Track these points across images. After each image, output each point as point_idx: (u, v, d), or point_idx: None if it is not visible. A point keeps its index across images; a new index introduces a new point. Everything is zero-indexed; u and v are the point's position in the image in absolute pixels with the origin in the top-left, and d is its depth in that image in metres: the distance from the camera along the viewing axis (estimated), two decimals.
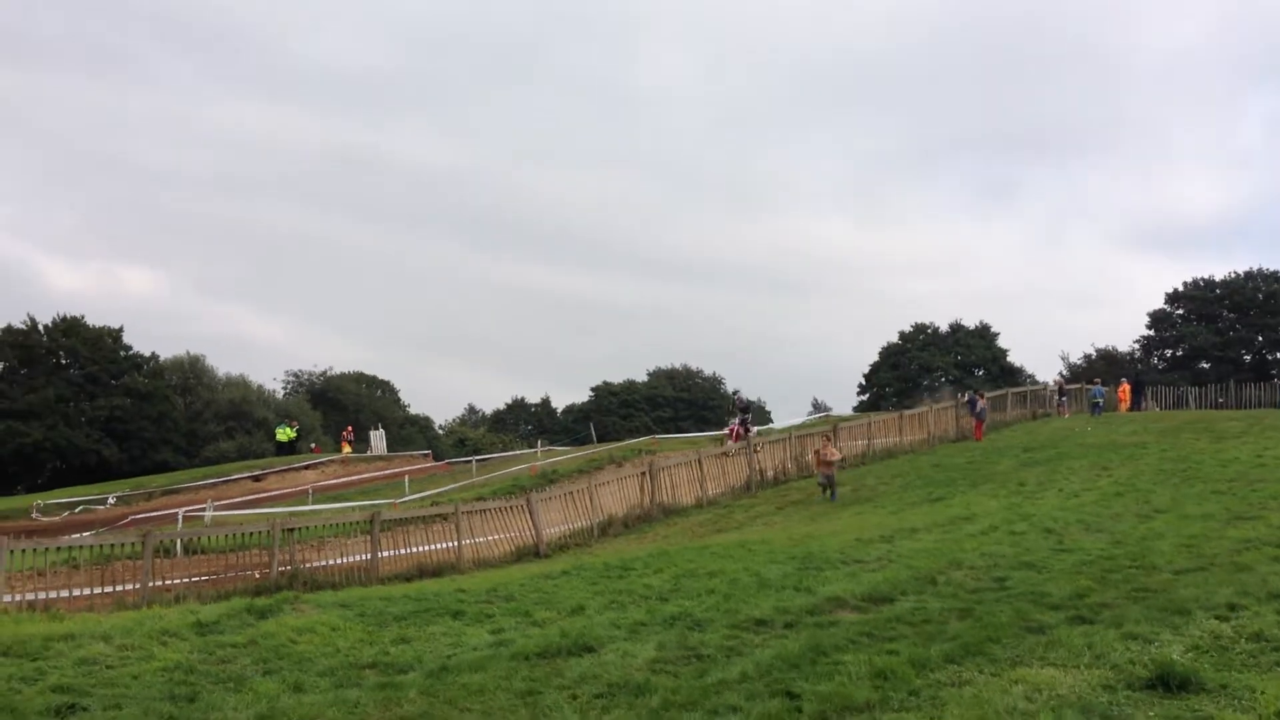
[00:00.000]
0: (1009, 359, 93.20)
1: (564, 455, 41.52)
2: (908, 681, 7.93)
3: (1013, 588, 11.42)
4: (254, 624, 11.54)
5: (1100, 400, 41.83)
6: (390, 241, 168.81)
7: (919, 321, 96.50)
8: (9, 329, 66.65)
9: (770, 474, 28.98)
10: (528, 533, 22.59)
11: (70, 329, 67.77)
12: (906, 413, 34.64)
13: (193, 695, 8.61)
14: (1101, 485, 20.64)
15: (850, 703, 7.46)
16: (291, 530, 19.77)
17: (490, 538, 21.96)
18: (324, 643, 10.63)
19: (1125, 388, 45.23)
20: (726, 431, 36.31)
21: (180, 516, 27.20)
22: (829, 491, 24.92)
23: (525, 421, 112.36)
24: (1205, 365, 75.17)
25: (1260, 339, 76.29)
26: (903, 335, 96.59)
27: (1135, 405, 43.55)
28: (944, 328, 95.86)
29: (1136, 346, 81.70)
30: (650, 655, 9.30)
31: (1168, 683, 7.45)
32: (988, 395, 37.49)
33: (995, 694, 7.49)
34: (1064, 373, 77.37)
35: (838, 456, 26.12)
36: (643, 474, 26.14)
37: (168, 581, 18.41)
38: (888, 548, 14.83)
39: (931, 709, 7.30)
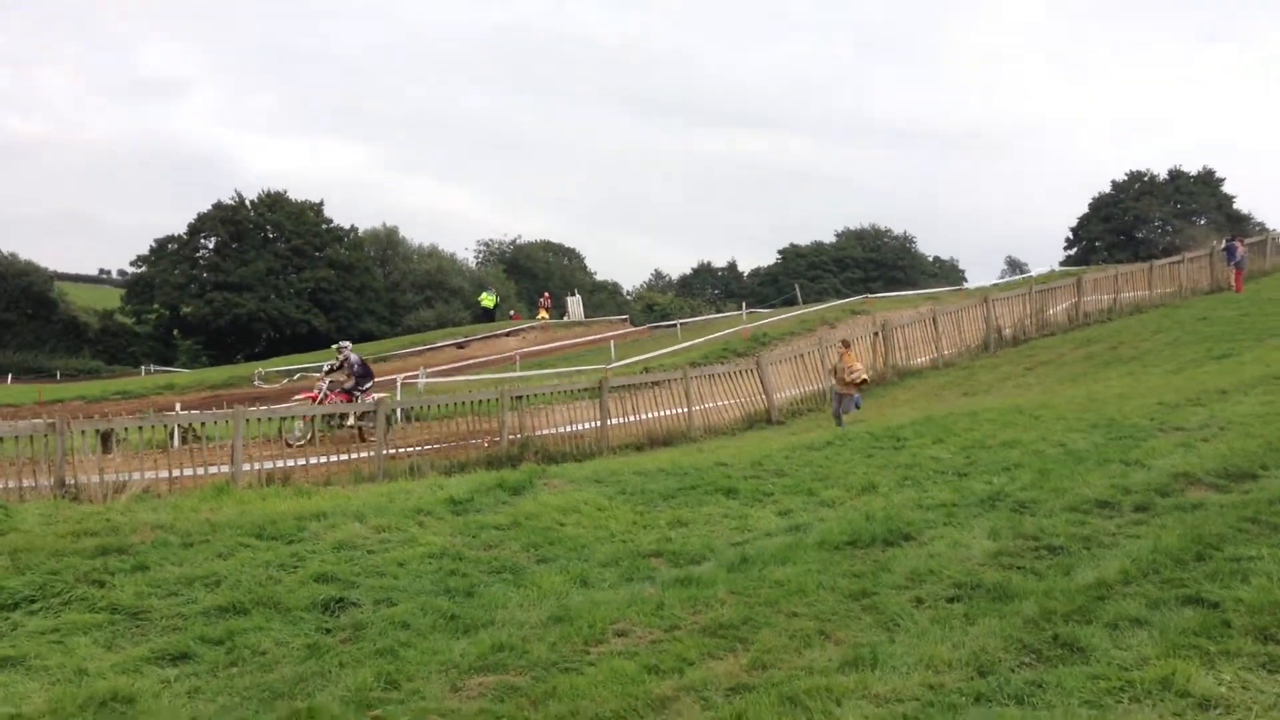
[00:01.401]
0: (1235, 206, 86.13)
1: (770, 318, 39.95)
2: None
3: None
4: (510, 502, 10.61)
5: None
6: (570, 116, 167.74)
7: (1133, 169, 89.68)
8: (219, 205, 68.93)
9: (1008, 332, 26.72)
10: (758, 398, 21.29)
11: (275, 203, 69.64)
12: (1156, 263, 31.45)
13: (470, 589, 7.64)
14: None
15: None
16: (520, 397, 19.00)
17: (720, 403, 20.77)
18: (594, 525, 9.56)
19: None
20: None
21: (399, 383, 27.04)
22: (838, 418, 18.29)
23: (712, 286, 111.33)
24: None
25: None
26: (1115, 185, 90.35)
27: None
28: (1162, 175, 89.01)
29: None
30: (988, 546, 7.80)
31: None
32: (1246, 241, 33.72)
33: None
34: None
35: (863, 374, 18.88)
36: (875, 334, 24.34)
37: (399, 450, 17.94)
38: (1205, 412, 12.78)
39: None
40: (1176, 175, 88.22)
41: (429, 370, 34.00)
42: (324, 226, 71.78)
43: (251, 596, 7.34)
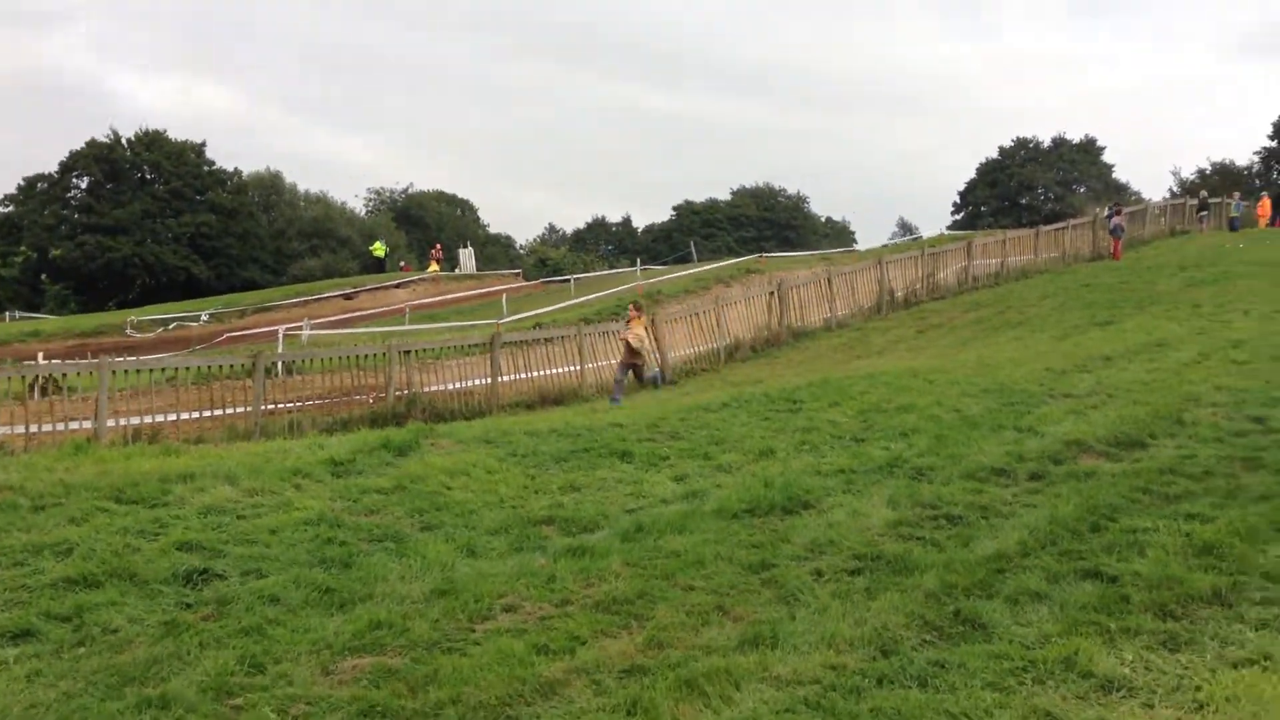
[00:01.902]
0: (1115, 175, 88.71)
1: (665, 275, 39.73)
2: (1245, 559, 6.22)
3: None
4: (394, 463, 10.14)
5: (1239, 215, 38.86)
6: (464, 61, 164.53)
7: (1020, 136, 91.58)
8: (93, 142, 65.78)
9: (900, 295, 26.93)
10: (652, 356, 21.01)
11: (153, 143, 66.80)
12: (1043, 229, 32.06)
13: (347, 559, 7.19)
14: None
15: (1191, 590, 5.77)
16: (408, 352, 18.40)
17: (613, 361, 20.43)
18: (483, 489, 9.17)
19: (1266, 202, 42.08)
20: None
21: (281, 334, 26.10)
22: (617, 393, 17.52)
23: (606, 241, 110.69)
24: None
25: None
26: (1003, 151, 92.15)
27: (1276, 220, 40.47)
28: (1046, 142, 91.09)
29: (1256, 159, 76.61)
30: (887, 515, 7.66)
31: None
32: (1125, 210, 34.60)
33: None
34: (1174, 189, 73.12)
35: (647, 342, 17.96)
36: (771, 294, 24.23)
37: (278, 405, 17.23)
38: (1092, 379, 12.94)
39: None
40: (1060, 143, 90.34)
41: (314, 322, 32.98)
42: (206, 169, 69.10)
43: (105, 567, 6.77)
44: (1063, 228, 32.50)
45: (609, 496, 8.94)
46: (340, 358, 18.51)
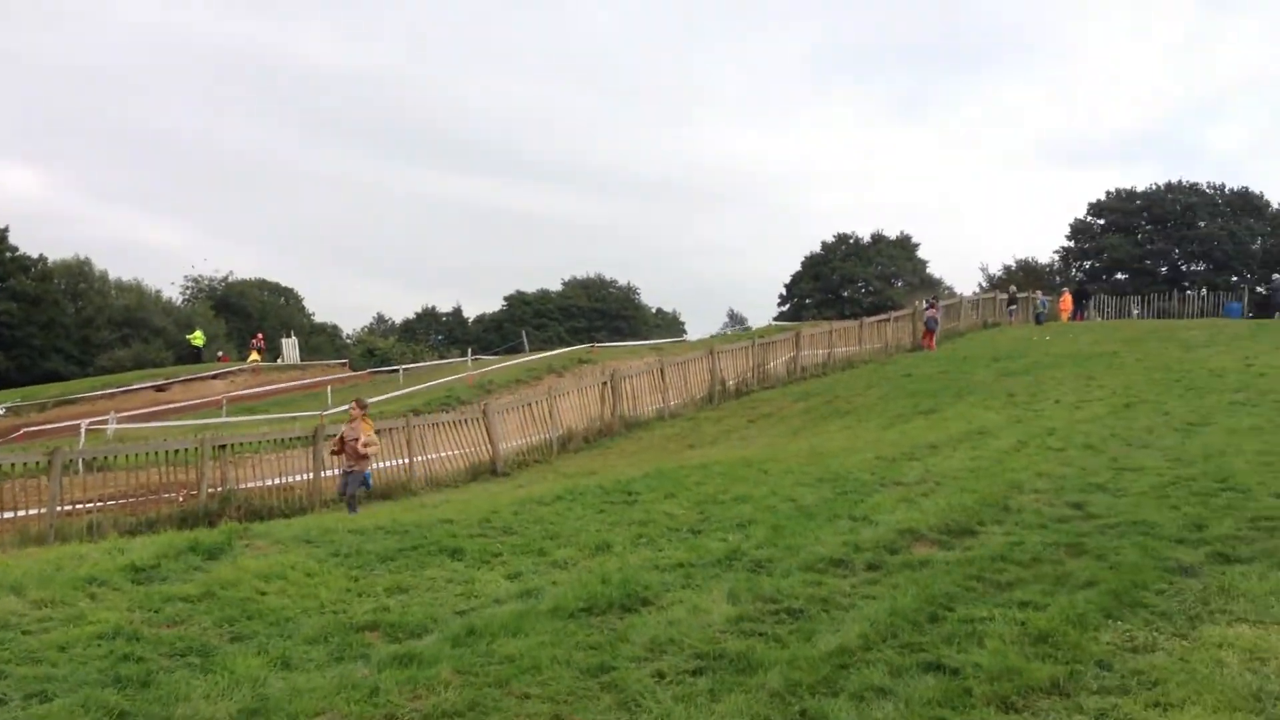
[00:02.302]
0: (929, 270, 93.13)
1: (496, 365, 39.32)
2: (1079, 647, 6.23)
3: (1102, 515, 9.85)
4: (203, 567, 9.41)
5: (1044, 310, 41.22)
6: (290, 147, 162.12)
7: (841, 232, 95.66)
8: None
9: (731, 384, 27.26)
10: (483, 448, 20.57)
11: None
12: (866, 321, 33.14)
13: (145, 677, 6.49)
14: (1100, 396, 19.36)
15: (1031, 681, 5.73)
16: (223, 446, 17.42)
17: (443, 454, 19.90)
18: (301, 594, 8.55)
19: (1066, 298, 44.69)
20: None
21: (83, 429, 24.49)
22: (350, 503, 15.27)
23: (436, 331, 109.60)
24: (1123, 276, 75.69)
25: (1176, 250, 76.78)
26: (825, 245, 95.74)
27: (1077, 315, 43.01)
28: (866, 238, 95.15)
29: (1056, 257, 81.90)
30: (728, 611, 7.45)
31: None
32: (939, 304, 36.18)
33: (1206, 666, 5.82)
34: (983, 284, 77.33)
35: (375, 446, 15.85)
36: (604, 384, 24.14)
37: (77, 506, 16.00)
38: (921, 467, 13.19)
39: (1143, 689, 5.60)
40: (878, 239, 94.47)
41: (121, 415, 31.19)
42: (7, 255, 65.31)
43: None
44: (885, 319, 33.70)
45: (439, 597, 8.46)
46: (148, 453, 17.40)
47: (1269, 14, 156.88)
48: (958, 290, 75.26)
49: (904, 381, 25.12)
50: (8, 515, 15.02)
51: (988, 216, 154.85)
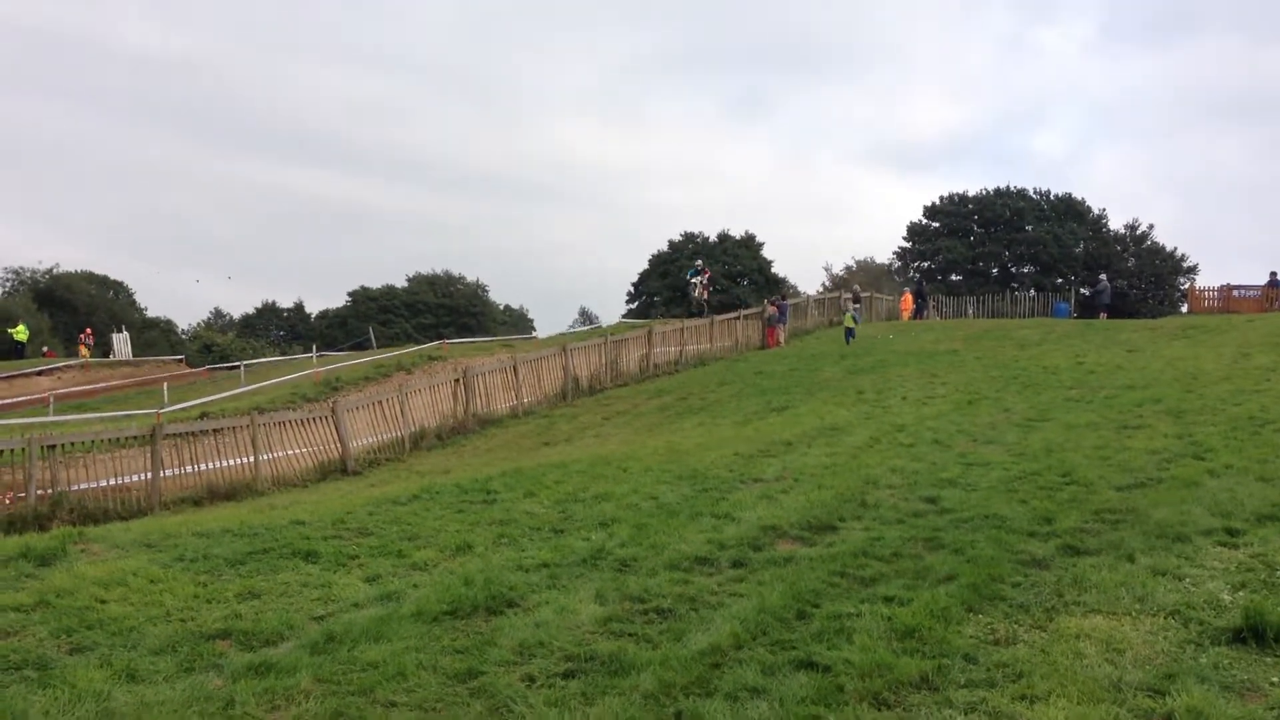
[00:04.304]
0: (774, 269, 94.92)
1: (343, 362, 38.31)
2: (945, 641, 6.39)
3: (956, 510, 10.13)
4: (36, 574, 8.84)
5: (856, 325, 41.84)
6: (117, 136, 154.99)
7: (688, 230, 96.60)
8: None
9: (585, 382, 27.19)
10: (332, 446, 19.96)
11: None
12: (717, 319, 33.51)
13: None
14: (944, 393, 19.99)
15: (901, 676, 5.83)
16: (53, 446, 16.41)
17: (290, 452, 19.23)
18: (145, 601, 8.09)
19: (907, 297, 46.04)
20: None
21: None
22: None
23: (277, 327, 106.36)
24: (957, 277, 78.73)
25: (1006, 253, 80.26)
26: (672, 244, 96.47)
27: (918, 314, 44.38)
28: (713, 237, 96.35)
29: (894, 258, 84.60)
30: (597, 611, 7.37)
31: (1261, 634, 6.19)
32: (780, 303, 36.84)
33: (1067, 658, 6.04)
34: (826, 284, 79.40)
35: None
36: (456, 381, 23.73)
37: None
38: (779, 463, 13.36)
39: (1009, 681, 5.76)
40: (724, 238, 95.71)
41: None
42: None
43: None
44: (735, 317, 34.14)
45: (294, 603, 8.12)
46: None
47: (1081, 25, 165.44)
48: (802, 289, 77.14)
49: (756, 379, 25.48)
50: None
51: (827, 217, 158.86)
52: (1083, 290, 60.90)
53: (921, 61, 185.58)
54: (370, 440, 21.02)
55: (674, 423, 20.91)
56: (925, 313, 44.43)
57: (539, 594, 7.92)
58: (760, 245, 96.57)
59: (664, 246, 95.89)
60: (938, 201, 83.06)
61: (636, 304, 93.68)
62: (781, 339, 34.03)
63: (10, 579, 8.66)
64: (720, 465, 13.40)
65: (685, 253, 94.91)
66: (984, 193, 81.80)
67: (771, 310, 34.73)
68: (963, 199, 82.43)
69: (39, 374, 40.81)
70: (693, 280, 40.86)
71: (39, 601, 7.96)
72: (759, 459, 13.87)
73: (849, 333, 33.10)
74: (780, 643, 6.52)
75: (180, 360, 50.42)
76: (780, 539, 9.40)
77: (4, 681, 6.30)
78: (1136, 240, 77.28)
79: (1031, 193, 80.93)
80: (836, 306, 40.29)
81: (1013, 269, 79.81)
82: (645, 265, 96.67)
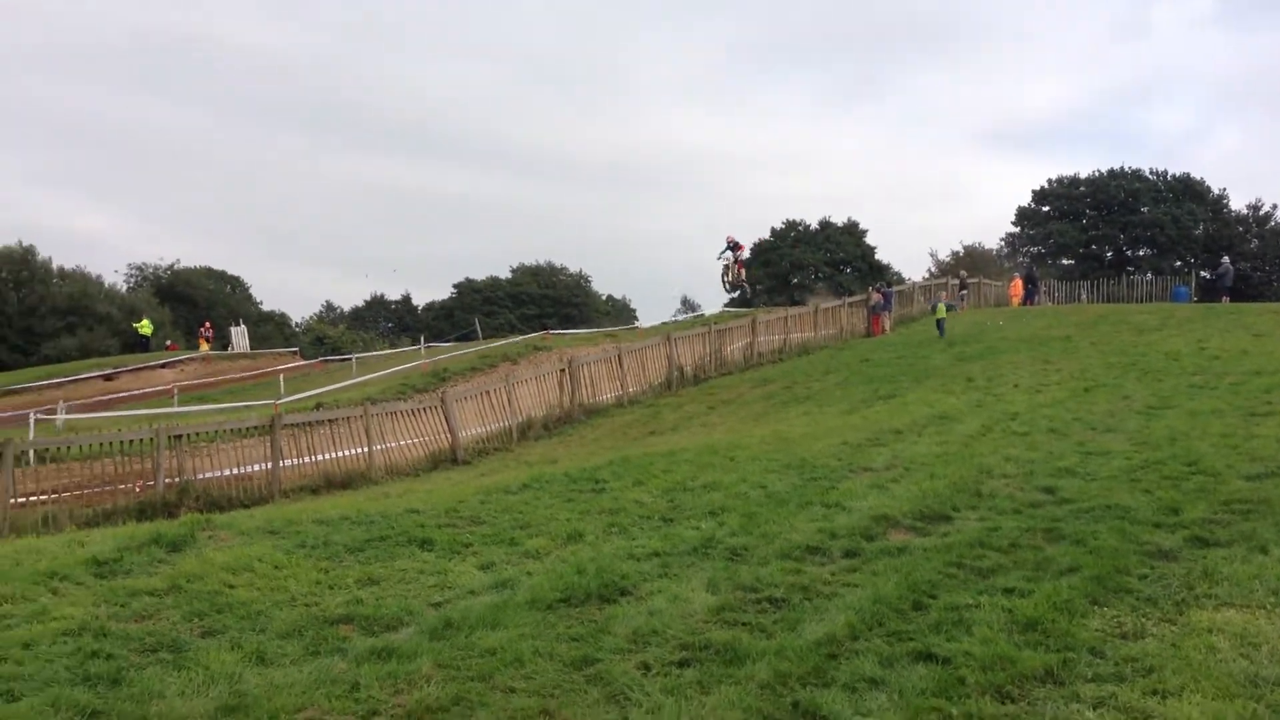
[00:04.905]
0: (877, 256, 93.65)
1: (450, 353, 38.95)
2: (1069, 634, 6.24)
3: (1075, 500, 9.89)
4: (168, 560, 9.18)
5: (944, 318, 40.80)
6: (228, 132, 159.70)
7: (790, 218, 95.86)
8: None
9: (689, 371, 27.21)
10: (442, 436, 20.33)
11: None
12: (821, 306, 33.25)
13: (116, 674, 6.30)
14: (1059, 380, 19.53)
15: (1024, 669, 5.71)
16: (179, 436, 17.04)
17: (402, 442, 19.65)
18: (270, 586, 8.35)
19: (1017, 282, 45.01)
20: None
21: (32, 419, 23.92)
22: None
23: (386, 319, 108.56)
24: (1069, 261, 76.64)
25: (1121, 236, 77.92)
26: (775, 232, 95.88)
27: (1028, 299, 43.37)
28: (814, 225, 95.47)
29: (1003, 243, 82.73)
30: (709, 600, 7.37)
31: None
32: (884, 290, 36.33)
33: (1199, 652, 5.84)
34: (932, 270, 77.95)
35: None
36: (562, 371, 23.98)
37: (30, 499, 15.59)
38: (888, 452, 13.20)
39: (1139, 676, 5.60)
40: (826, 225, 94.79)
41: (70, 404, 30.52)
42: None
43: None
44: (840, 305, 33.80)
45: (412, 589, 8.30)
46: (101, 443, 16.98)
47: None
48: (906, 276, 75.86)
49: (862, 367, 25.22)
50: None
51: (932, 202, 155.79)
52: (1203, 273, 58.83)
53: (1030, 40, 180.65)
54: (479, 430, 21.35)
55: (780, 411, 20.81)
56: (1036, 298, 43.38)
57: (651, 582, 7.96)
58: (863, 232, 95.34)
59: (766, 234, 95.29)
60: (1047, 184, 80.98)
61: (738, 293, 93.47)
62: (887, 326, 33.61)
63: (144, 564, 9.02)
64: (828, 454, 13.29)
65: (787, 241, 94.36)
66: (1097, 174, 79.48)
67: (876, 298, 34.32)
68: (1074, 181, 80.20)
69: (163, 366, 42.33)
70: (723, 255, 37.74)
71: (171, 586, 8.26)
72: (868, 448, 13.72)
73: (940, 325, 30.47)
74: (897, 634, 6.44)
75: (295, 353, 51.83)
76: (893, 529, 9.29)
77: (142, 663, 6.56)
78: (1260, 221, 74.36)
79: (1147, 173, 78.35)
80: (943, 293, 39.59)
81: (1128, 252, 77.48)
82: (747, 254, 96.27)
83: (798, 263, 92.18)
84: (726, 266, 37.73)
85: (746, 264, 36.17)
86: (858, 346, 30.42)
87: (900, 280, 58.14)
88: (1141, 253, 75.16)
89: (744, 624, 6.88)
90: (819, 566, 8.20)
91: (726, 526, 9.64)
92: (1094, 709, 5.20)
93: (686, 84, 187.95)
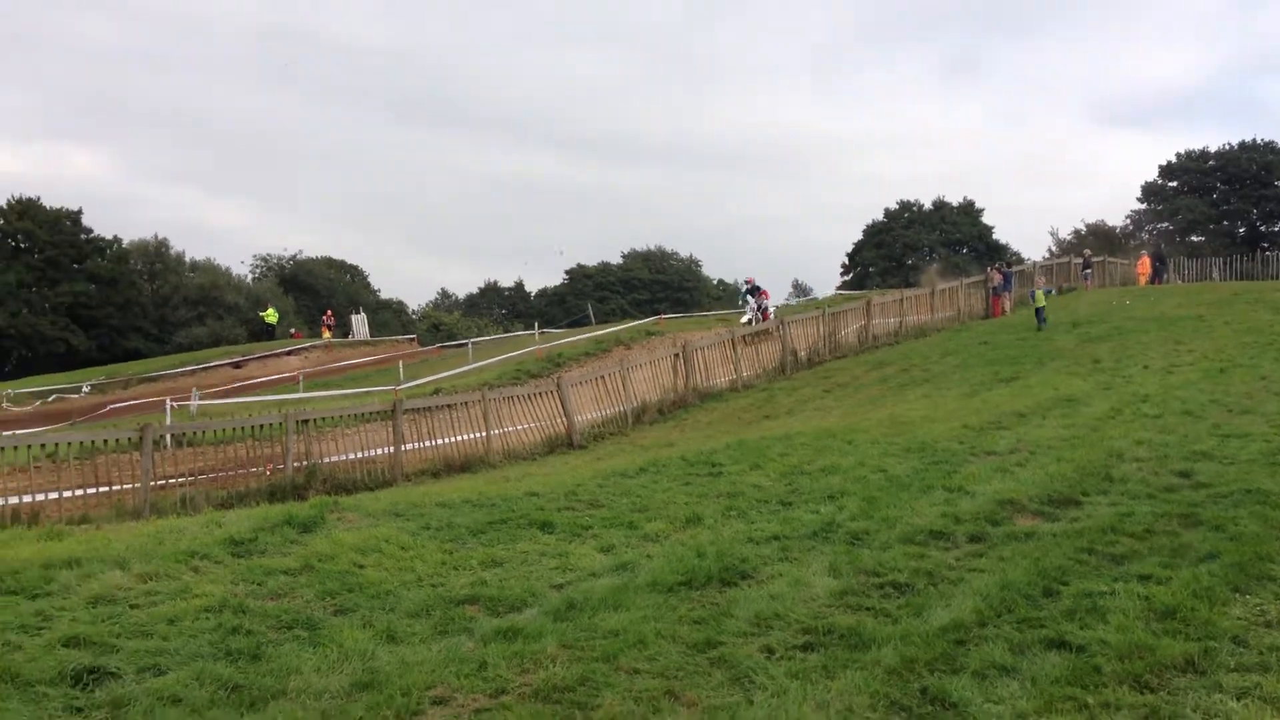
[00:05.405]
0: (994, 236, 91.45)
1: (563, 339, 39.31)
2: (1209, 623, 6.03)
3: (1213, 484, 9.56)
4: (300, 540, 9.45)
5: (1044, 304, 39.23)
6: (341, 124, 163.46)
7: (903, 199, 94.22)
8: None
9: (803, 354, 26.98)
10: (558, 420, 20.54)
11: (26, 211, 64.16)
12: (938, 287, 32.61)
13: (255, 650, 6.53)
14: (1190, 360, 18.81)
15: (1163, 658, 5.53)
16: (306, 421, 17.56)
17: (519, 426, 19.91)
18: (397, 567, 8.56)
19: (1145, 260, 43.46)
20: (748, 318, 31.94)
21: (168, 405, 24.91)
22: None
23: (499, 306, 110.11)
24: (1198, 238, 73.68)
25: (1254, 211, 74.71)
26: (888, 213, 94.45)
27: (1156, 278, 41.85)
28: (928, 205, 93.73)
29: (1128, 221, 79.99)
30: (831, 585, 7.31)
31: None
32: (1003, 270, 35.36)
33: None
34: (1052, 249, 75.68)
35: None
36: (676, 355, 24.02)
37: (169, 481, 16.24)
38: (1012, 436, 12.89)
39: None
40: (941, 205, 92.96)
41: (203, 391, 31.66)
42: (83, 237, 66.63)
43: None
44: (957, 286, 33.10)
45: (534, 571, 8.41)
46: (234, 428, 17.59)
47: None
48: (1026, 256, 73.76)
49: (981, 349, 24.68)
50: (102, 490, 15.26)
51: (1052, 180, 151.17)
52: None
53: (1152, 7, 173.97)
54: (594, 415, 21.51)
55: (897, 395, 20.49)
56: (1164, 276, 41.81)
57: (771, 566, 7.93)
58: (979, 211, 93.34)
59: (879, 216, 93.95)
60: (1174, 159, 78.01)
61: (851, 275, 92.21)
62: (1007, 307, 32.80)
63: (278, 544, 9.31)
64: (949, 438, 13.04)
65: (900, 222, 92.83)
66: (1227, 147, 76.26)
67: (997, 278, 33.47)
68: (1203, 155, 77.11)
69: (288, 354, 43.67)
70: (747, 301, 33.55)
71: (304, 565, 8.52)
72: (990, 431, 13.42)
73: (1040, 314, 27.51)
74: (1027, 621, 6.30)
75: (413, 339, 52.94)
76: (1019, 513, 9.08)
77: (279, 639, 6.78)
78: None
79: None
80: (1065, 272, 38.47)
81: (1262, 228, 74.29)
82: (859, 236, 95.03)
83: (911, 244, 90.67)
84: (752, 320, 31.27)
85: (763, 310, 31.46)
86: (976, 328, 29.77)
87: (1019, 260, 56.54)
88: (1277, 228, 71.86)
89: (867, 609, 6.81)
90: (943, 551, 8.07)
91: (846, 510, 9.55)
92: (1238, 699, 5.01)
93: (794, 67, 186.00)
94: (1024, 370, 20.41)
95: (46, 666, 6.15)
